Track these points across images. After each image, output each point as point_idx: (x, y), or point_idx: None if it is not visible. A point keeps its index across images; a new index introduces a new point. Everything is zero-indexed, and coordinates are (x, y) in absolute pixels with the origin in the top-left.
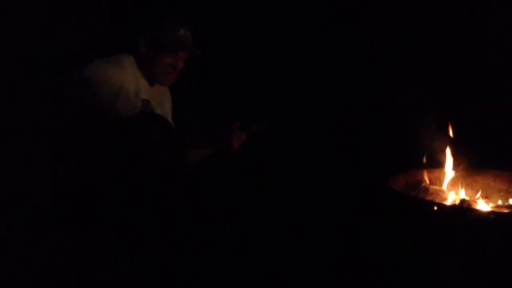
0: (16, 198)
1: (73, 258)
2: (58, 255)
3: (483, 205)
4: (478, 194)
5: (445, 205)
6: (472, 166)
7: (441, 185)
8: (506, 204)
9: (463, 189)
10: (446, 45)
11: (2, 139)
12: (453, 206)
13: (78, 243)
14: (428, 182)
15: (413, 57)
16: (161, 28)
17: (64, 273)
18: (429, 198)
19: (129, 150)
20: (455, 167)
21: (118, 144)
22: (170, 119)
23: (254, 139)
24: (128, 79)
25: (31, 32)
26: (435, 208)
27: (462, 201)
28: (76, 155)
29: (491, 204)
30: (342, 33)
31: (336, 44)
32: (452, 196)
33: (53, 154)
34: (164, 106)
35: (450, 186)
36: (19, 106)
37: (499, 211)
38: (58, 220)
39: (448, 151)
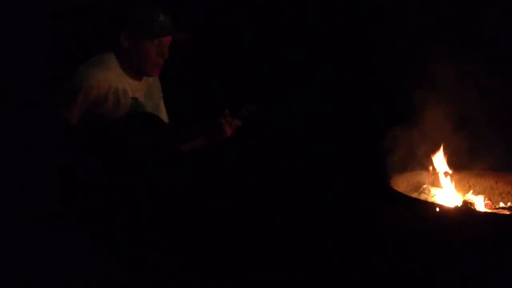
0: (15, 198)
1: (74, 257)
2: (58, 255)
3: (485, 207)
4: (481, 196)
5: (447, 207)
6: (475, 168)
7: (443, 187)
8: (508, 206)
9: (465, 191)
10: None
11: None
12: (455, 208)
13: (78, 242)
14: (430, 183)
15: (415, 55)
16: (140, 18)
17: (64, 272)
18: (431, 199)
19: (124, 152)
20: (457, 168)
21: (112, 147)
22: (161, 108)
23: (249, 120)
24: (115, 79)
25: (30, 32)
26: (437, 209)
27: (464, 202)
28: (73, 158)
29: (494, 206)
30: (341, 31)
31: (337, 42)
32: (454, 197)
33: (51, 157)
34: (153, 97)
35: (452, 188)
36: (16, 106)
37: (501, 213)
38: (57, 220)
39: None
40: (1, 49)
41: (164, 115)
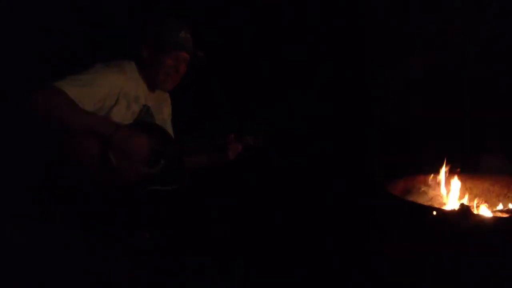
0: (15, 196)
1: (73, 258)
2: (58, 255)
3: (482, 210)
4: (477, 199)
5: (444, 210)
6: (471, 170)
7: (439, 190)
8: (505, 208)
9: (462, 194)
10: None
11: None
12: (452, 211)
13: (78, 243)
14: (426, 187)
15: (413, 61)
16: (163, 31)
17: (64, 272)
18: (428, 203)
19: (126, 156)
20: (454, 171)
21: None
22: (169, 126)
23: (250, 150)
24: (128, 84)
25: (31, 33)
26: (434, 213)
27: (461, 206)
28: (74, 159)
29: (491, 209)
30: (341, 31)
31: (337, 42)
32: (451, 201)
33: (52, 157)
34: (163, 113)
35: (449, 191)
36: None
37: (498, 215)
38: (57, 220)
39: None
40: (1, 49)
41: (170, 133)
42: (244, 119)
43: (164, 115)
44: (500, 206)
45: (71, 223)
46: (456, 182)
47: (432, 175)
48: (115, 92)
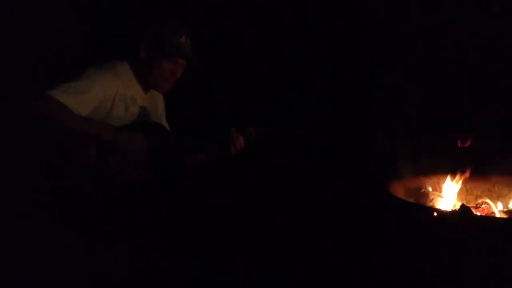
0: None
1: (73, 258)
2: (58, 255)
3: (483, 211)
4: (478, 200)
5: (445, 211)
6: (472, 171)
7: (441, 191)
8: (506, 209)
9: (463, 195)
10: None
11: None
12: (453, 212)
13: (78, 243)
14: (427, 187)
15: (416, 60)
16: (164, 31)
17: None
18: (429, 204)
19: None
20: (455, 172)
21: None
22: (164, 122)
23: (252, 143)
24: (123, 86)
25: (31, 33)
26: (435, 214)
27: (462, 207)
28: (74, 159)
29: (492, 210)
30: (341, 31)
31: (337, 42)
32: (452, 202)
33: (52, 157)
34: (158, 109)
35: (450, 192)
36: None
37: (499, 216)
38: (57, 220)
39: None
40: (1, 49)
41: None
42: (244, 119)
43: (158, 112)
44: (500, 207)
45: (71, 223)
46: (456, 183)
47: (432, 175)
48: (110, 96)
